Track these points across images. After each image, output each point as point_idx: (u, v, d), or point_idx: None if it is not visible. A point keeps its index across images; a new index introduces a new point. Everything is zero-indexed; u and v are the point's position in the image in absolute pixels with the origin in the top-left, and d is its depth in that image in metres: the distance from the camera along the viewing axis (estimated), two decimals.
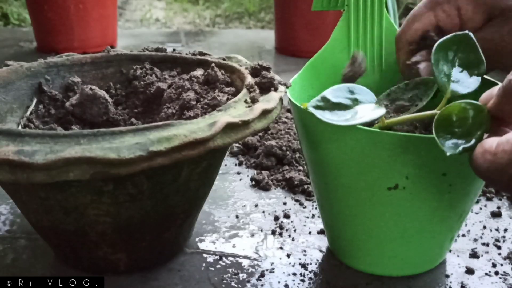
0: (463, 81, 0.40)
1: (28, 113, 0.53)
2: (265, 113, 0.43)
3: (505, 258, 0.51)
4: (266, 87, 0.47)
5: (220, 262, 0.50)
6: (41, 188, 0.41)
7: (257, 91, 0.46)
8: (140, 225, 0.44)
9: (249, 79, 0.48)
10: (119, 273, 0.47)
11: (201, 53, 0.58)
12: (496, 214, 0.59)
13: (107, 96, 0.54)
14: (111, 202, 0.41)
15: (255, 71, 0.50)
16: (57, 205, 0.42)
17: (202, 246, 0.53)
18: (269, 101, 0.44)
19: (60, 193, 0.41)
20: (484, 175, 0.32)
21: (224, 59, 0.56)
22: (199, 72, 0.54)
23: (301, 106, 0.44)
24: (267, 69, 0.49)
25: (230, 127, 0.40)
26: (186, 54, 0.58)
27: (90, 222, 0.43)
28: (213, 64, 0.53)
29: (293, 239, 0.54)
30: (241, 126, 0.41)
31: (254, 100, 0.44)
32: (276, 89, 0.47)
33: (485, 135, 0.35)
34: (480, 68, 0.40)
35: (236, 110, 0.42)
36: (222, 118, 0.40)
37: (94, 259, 0.47)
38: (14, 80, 0.53)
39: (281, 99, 0.47)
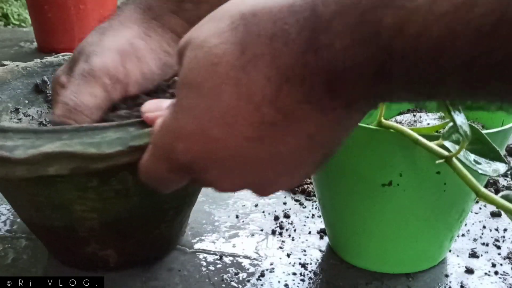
0: None
1: (22, 113, 0.53)
2: None
3: (504, 258, 0.51)
4: None
5: (220, 262, 0.50)
6: (29, 184, 0.41)
7: None
8: (128, 222, 0.44)
9: None
10: (110, 269, 0.47)
11: None
12: (495, 214, 0.59)
13: None
14: (97, 198, 0.41)
15: None
16: (45, 201, 0.42)
17: (202, 246, 0.53)
18: None
19: (47, 189, 0.41)
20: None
21: None
22: None
23: None
24: None
25: None
26: None
27: (78, 218, 0.43)
28: None
29: (293, 239, 0.54)
30: None
31: None
32: None
33: None
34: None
35: None
36: None
37: (84, 255, 0.47)
38: (9, 80, 0.54)
39: None
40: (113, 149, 0.35)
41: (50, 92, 0.56)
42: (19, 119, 0.54)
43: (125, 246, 0.47)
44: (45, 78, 0.56)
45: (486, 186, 0.63)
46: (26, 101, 0.55)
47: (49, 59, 0.58)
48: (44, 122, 0.55)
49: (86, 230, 0.44)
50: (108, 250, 0.46)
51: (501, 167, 0.39)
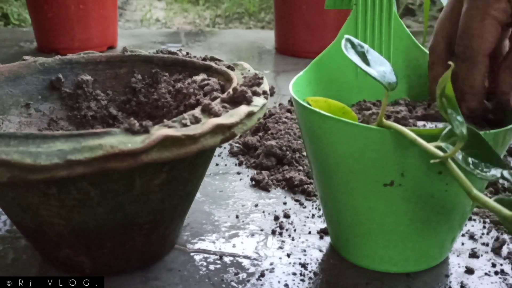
0: None
1: (33, 108, 0.53)
2: (220, 128, 0.40)
3: (505, 258, 0.51)
4: (239, 100, 0.43)
5: (220, 262, 0.50)
6: None
7: (219, 105, 0.42)
8: (97, 231, 0.43)
9: (230, 90, 0.45)
10: (86, 275, 0.47)
11: (212, 58, 0.57)
12: None
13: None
14: (59, 205, 0.41)
15: (250, 81, 0.48)
16: (13, 202, 0.42)
17: (202, 246, 0.53)
18: (232, 116, 0.41)
19: (11, 191, 0.41)
20: None
21: (230, 66, 0.55)
22: (199, 78, 0.54)
23: (304, 103, 0.45)
24: (260, 79, 0.48)
25: (171, 141, 0.37)
26: (197, 58, 0.57)
27: (46, 222, 0.43)
28: (203, 74, 0.53)
29: (293, 239, 0.54)
30: (185, 140, 0.38)
31: (213, 114, 0.41)
32: (248, 103, 0.43)
33: None
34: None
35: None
36: (160, 131, 0.37)
37: (59, 258, 0.47)
38: (24, 75, 0.54)
39: (254, 112, 0.43)
40: (49, 161, 0.34)
41: (65, 89, 0.56)
42: (29, 114, 0.54)
43: (98, 255, 0.46)
44: (60, 76, 0.56)
45: (486, 186, 0.63)
46: (40, 97, 0.55)
47: (68, 56, 0.58)
48: (54, 119, 0.55)
49: (56, 234, 0.43)
50: (81, 257, 0.45)
51: (499, 172, 0.39)
